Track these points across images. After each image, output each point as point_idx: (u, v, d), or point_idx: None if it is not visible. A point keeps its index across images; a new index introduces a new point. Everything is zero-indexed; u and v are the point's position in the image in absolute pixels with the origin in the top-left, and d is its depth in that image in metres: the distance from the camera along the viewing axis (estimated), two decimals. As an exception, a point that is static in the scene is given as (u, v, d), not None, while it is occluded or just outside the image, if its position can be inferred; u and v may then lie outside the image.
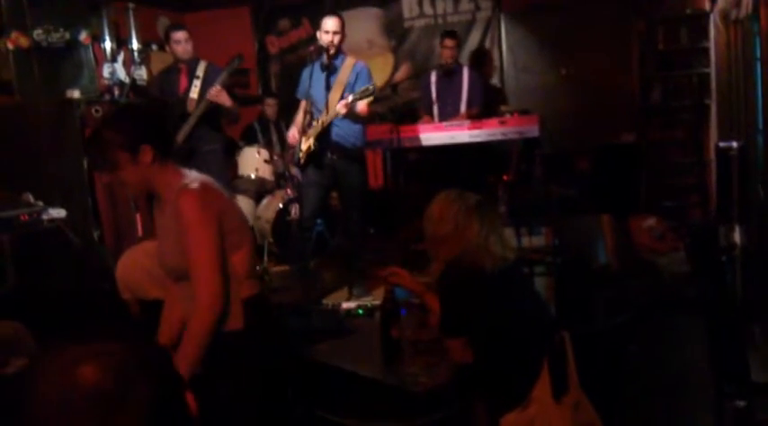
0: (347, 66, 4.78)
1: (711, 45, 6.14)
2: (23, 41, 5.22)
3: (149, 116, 2.34)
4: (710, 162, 6.09)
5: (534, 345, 2.34)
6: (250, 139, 6.69)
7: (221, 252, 2.15)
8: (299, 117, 4.92)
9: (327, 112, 4.65)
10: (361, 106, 4.63)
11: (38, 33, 5.25)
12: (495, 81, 7.08)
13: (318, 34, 4.78)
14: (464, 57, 6.88)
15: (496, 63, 7.13)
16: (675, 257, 4.75)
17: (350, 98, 4.48)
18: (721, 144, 4.64)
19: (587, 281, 4.21)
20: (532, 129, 5.50)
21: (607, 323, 2.88)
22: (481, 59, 7.05)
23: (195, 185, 2.17)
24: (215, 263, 2.13)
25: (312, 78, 4.71)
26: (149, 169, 2.16)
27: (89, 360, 0.99)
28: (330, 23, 4.69)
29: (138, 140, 2.14)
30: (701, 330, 3.84)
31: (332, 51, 4.68)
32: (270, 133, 6.90)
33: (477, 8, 7.16)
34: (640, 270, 4.56)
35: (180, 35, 5.18)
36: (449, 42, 6.10)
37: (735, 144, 4.34)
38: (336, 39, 4.68)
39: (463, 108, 6.05)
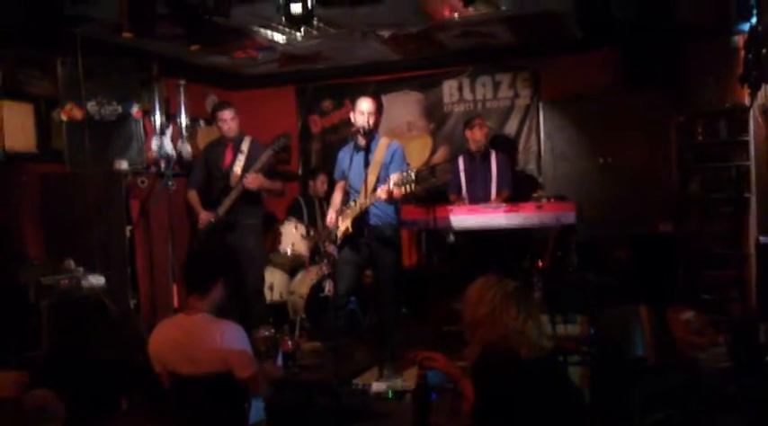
0: (382, 146, 4.82)
1: (751, 139, 6.13)
2: (77, 113, 5.43)
3: None
4: (750, 256, 5.99)
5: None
6: (295, 214, 6.72)
7: None
8: (336, 198, 4.98)
9: (365, 193, 4.68)
10: (397, 190, 4.53)
11: (91, 106, 5.46)
12: (532, 167, 7.13)
13: (352, 115, 4.82)
14: (497, 141, 6.97)
15: (534, 149, 7.18)
16: (715, 352, 4.61)
17: (391, 184, 4.42)
18: (762, 239, 4.59)
19: (623, 374, 4.11)
20: (569, 215, 5.52)
21: (644, 421, 2.80)
22: (511, 144, 7.12)
23: None
24: None
25: (350, 159, 4.77)
26: None
27: None
28: (364, 104, 4.72)
29: None
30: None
31: (366, 129, 4.69)
32: (314, 209, 6.90)
33: (516, 95, 7.27)
34: (678, 364, 4.44)
35: (226, 114, 5.37)
36: (482, 126, 6.20)
37: (776, 239, 4.30)
38: (371, 119, 4.70)
39: (494, 192, 6.09)
